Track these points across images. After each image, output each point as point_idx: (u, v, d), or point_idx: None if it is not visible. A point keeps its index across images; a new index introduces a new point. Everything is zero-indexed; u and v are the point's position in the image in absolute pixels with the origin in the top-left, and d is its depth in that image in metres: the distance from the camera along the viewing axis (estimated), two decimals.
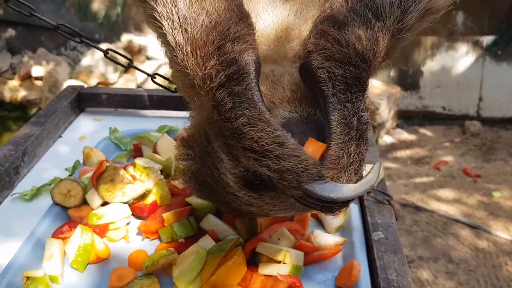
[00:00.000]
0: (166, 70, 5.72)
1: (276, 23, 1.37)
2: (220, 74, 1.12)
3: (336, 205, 1.10)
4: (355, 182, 1.11)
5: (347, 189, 1.07)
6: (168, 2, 1.17)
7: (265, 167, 1.08)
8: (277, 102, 1.26)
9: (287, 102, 1.27)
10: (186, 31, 1.15)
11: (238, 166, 1.22)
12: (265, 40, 1.36)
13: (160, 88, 2.34)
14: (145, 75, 2.32)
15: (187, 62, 1.15)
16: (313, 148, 1.13)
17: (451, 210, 5.15)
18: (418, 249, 4.56)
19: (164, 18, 1.18)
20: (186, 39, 1.15)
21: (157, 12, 1.20)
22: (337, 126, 1.12)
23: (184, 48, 1.15)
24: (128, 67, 2.00)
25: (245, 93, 1.12)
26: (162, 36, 1.32)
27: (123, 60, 2.22)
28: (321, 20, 1.23)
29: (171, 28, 1.18)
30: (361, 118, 1.14)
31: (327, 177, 1.08)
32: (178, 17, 1.16)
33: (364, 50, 1.16)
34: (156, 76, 2.14)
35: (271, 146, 1.07)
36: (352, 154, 1.12)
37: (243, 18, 1.21)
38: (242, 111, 1.10)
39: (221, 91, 1.11)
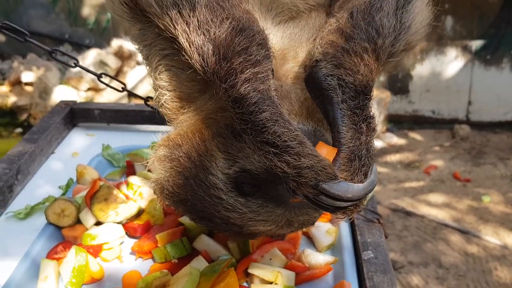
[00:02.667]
0: None
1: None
2: (248, 71, 1.16)
3: (347, 205, 1.15)
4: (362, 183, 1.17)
5: (358, 188, 1.13)
6: (186, 7, 1.21)
7: (284, 162, 1.11)
8: (285, 113, 1.29)
9: (295, 115, 1.31)
10: (208, 31, 1.19)
11: (233, 166, 1.27)
12: None
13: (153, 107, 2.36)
14: (136, 80, 2.33)
15: (207, 60, 1.19)
16: (326, 150, 1.18)
17: (441, 215, 5.18)
18: (408, 254, 4.59)
19: (178, 23, 1.22)
20: (208, 39, 1.19)
21: (168, 16, 1.23)
22: (348, 131, 1.18)
23: (204, 47, 1.19)
24: (122, 91, 2.01)
25: (268, 92, 1.16)
26: (155, 46, 1.36)
27: (90, 76, 2.22)
28: (328, 32, 1.28)
29: (186, 32, 1.21)
30: (370, 124, 1.21)
31: (340, 178, 1.13)
32: (198, 20, 1.20)
33: (370, 61, 1.23)
34: (149, 99, 2.15)
35: (292, 143, 1.11)
36: (363, 158, 1.18)
37: (263, 30, 1.26)
38: (266, 107, 1.13)
39: (247, 85, 1.15)
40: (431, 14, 1.39)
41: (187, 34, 1.21)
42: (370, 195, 1.97)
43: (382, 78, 7.42)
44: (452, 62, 7.23)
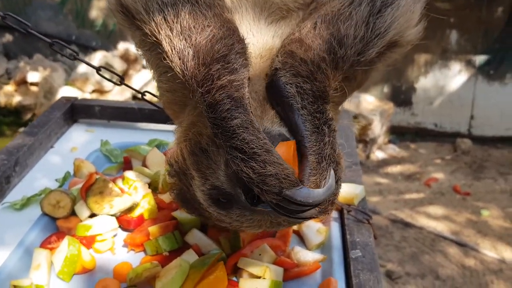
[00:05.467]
0: None
1: (260, 43, 1.43)
2: (224, 78, 1.20)
3: (307, 210, 1.19)
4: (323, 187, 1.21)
5: (318, 194, 1.17)
6: (171, 13, 1.26)
7: (250, 168, 1.14)
8: (256, 121, 1.33)
9: (269, 119, 1.34)
10: (189, 37, 1.24)
11: (205, 183, 1.33)
12: None
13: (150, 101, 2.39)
14: (141, 84, 2.36)
15: (187, 64, 1.23)
16: (285, 147, 1.23)
17: (440, 227, 5.18)
18: (406, 265, 4.59)
19: (162, 28, 1.26)
20: (189, 45, 1.23)
21: (154, 22, 1.28)
22: (311, 134, 1.23)
23: (185, 52, 1.23)
24: (120, 84, 2.04)
25: (241, 100, 1.20)
26: (153, 50, 1.40)
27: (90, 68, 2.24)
28: (289, 42, 1.32)
29: (169, 36, 1.26)
30: (330, 126, 1.26)
31: (311, 182, 1.19)
32: (181, 26, 1.24)
33: (327, 69, 1.26)
34: (146, 93, 2.18)
35: (260, 151, 1.15)
36: (328, 158, 1.23)
37: (243, 40, 1.30)
38: (238, 114, 1.17)
39: (221, 92, 1.19)
40: (422, 7, 1.40)
41: (170, 39, 1.26)
42: (361, 196, 1.99)
43: (385, 89, 7.45)
44: (455, 76, 7.25)
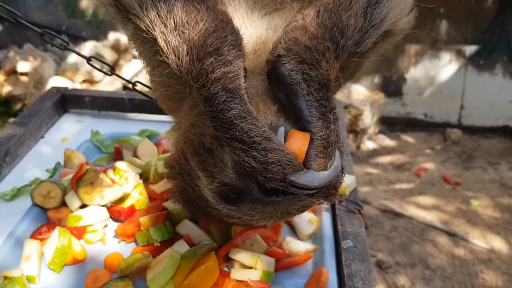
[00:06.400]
0: None
1: (254, 36, 1.43)
2: (217, 70, 1.20)
3: (316, 192, 1.20)
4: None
5: (324, 176, 1.18)
6: (164, 9, 1.25)
7: (251, 157, 1.15)
8: (254, 110, 1.32)
9: (268, 109, 1.34)
10: (183, 33, 1.23)
11: (213, 182, 1.32)
12: None
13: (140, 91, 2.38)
14: (131, 74, 2.36)
15: (182, 60, 1.23)
16: (301, 136, 1.23)
17: (430, 217, 5.20)
18: (396, 255, 4.61)
19: (156, 24, 1.26)
20: (183, 40, 1.23)
21: (148, 18, 1.27)
22: (318, 121, 1.24)
23: (179, 48, 1.23)
24: (111, 74, 2.03)
25: (237, 91, 1.20)
26: (146, 43, 1.39)
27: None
28: (292, 29, 1.32)
29: (164, 32, 1.25)
30: (335, 114, 1.27)
31: (317, 166, 1.20)
32: (174, 22, 1.24)
33: (331, 58, 1.27)
34: (136, 83, 2.17)
35: (259, 139, 1.15)
36: (333, 144, 1.23)
37: (237, 31, 1.30)
38: (235, 105, 1.17)
39: (216, 85, 1.19)
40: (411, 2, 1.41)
41: (165, 35, 1.25)
42: (352, 186, 2.00)
43: (376, 79, 7.46)
44: (445, 66, 7.26)
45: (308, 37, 1.28)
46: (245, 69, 1.28)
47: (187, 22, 1.24)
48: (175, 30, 1.24)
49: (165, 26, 1.25)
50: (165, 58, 1.27)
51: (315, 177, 1.16)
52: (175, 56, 1.24)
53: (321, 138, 1.22)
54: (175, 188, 1.56)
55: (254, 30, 1.44)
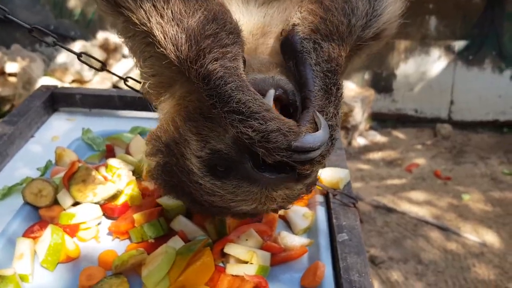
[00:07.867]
0: None
1: (251, 22, 1.43)
2: (216, 50, 1.20)
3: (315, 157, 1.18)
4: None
5: (321, 134, 1.17)
6: (161, 0, 1.24)
7: (249, 127, 1.13)
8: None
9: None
10: (181, 22, 1.22)
11: (205, 147, 1.29)
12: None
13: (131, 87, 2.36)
14: (121, 73, 2.34)
15: (181, 48, 1.21)
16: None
17: (422, 212, 5.22)
18: (388, 250, 4.62)
19: (152, 15, 1.24)
20: (181, 29, 1.22)
21: (142, 9, 1.26)
22: (319, 90, 1.24)
23: (178, 36, 1.22)
24: (101, 70, 2.01)
25: (235, 69, 1.19)
26: (137, 36, 1.38)
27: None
28: (309, 1, 1.34)
29: (160, 23, 1.24)
30: (339, 89, 1.26)
31: (308, 127, 1.18)
32: (172, 11, 1.23)
33: (345, 33, 1.29)
34: (128, 79, 2.15)
35: (257, 108, 1.14)
36: (330, 115, 1.23)
37: (235, 21, 1.29)
38: (232, 79, 1.17)
39: (215, 63, 1.18)
40: (403, 5, 1.44)
41: (162, 26, 1.24)
42: (346, 180, 1.99)
43: (366, 76, 7.47)
44: (435, 62, 7.29)
45: (324, 9, 1.30)
46: (244, 59, 1.27)
47: (184, 12, 1.23)
48: (172, 20, 1.23)
49: (162, 16, 1.24)
50: (162, 49, 1.25)
51: (314, 138, 1.15)
52: (173, 45, 1.22)
53: (317, 106, 1.22)
54: (157, 164, 1.49)
55: (251, 17, 1.44)
